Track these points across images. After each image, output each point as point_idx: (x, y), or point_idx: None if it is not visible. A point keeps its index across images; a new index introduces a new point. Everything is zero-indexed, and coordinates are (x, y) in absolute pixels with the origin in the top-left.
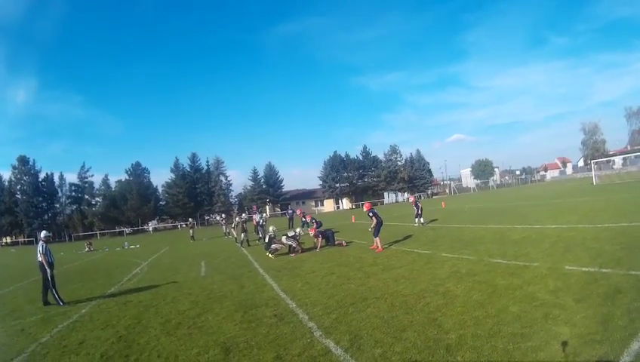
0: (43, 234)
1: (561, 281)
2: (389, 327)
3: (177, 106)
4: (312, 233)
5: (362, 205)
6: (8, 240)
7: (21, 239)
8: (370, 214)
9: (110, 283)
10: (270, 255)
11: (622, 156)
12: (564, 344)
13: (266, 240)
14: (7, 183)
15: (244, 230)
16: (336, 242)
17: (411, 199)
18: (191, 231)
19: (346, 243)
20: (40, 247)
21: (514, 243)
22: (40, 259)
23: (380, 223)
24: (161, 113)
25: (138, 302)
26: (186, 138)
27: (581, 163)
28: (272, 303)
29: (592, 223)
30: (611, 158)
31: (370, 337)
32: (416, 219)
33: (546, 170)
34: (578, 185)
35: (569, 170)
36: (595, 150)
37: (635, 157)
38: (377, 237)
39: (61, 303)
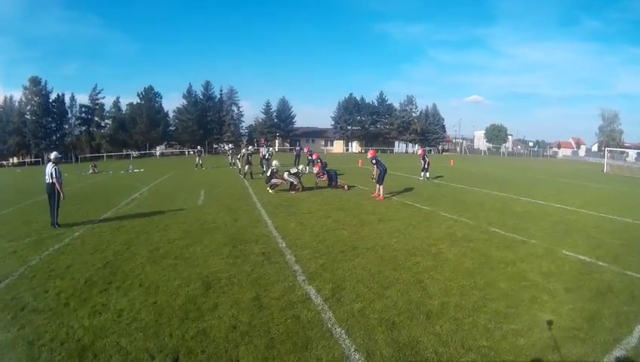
0: (53, 155)
1: (555, 265)
2: (374, 282)
3: (195, 33)
4: (315, 170)
5: (366, 151)
6: (15, 160)
7: (28, 159)
8: (374, 162)
9: (107, 207)
10: (270, 190)
11: (637, 151)
12: (546, 334)
13: (268, 173)
14: (17, 104)
15: (249, 162)
16: (338, 183)
17: (420, 152)
18: (198, 158)
19: (348, 187)
20: (52, 170)
21: (515, 215)
22: (51, 180)
23: (383, 171)
24: (178, 38)
25: (131, 227)
26: (201, 66)
27: (595, 148)
28: (262, 240)
29: (597, 211)
30: (625, 150)
31: (353, 290)
32: (422, 173)
33: (559, 147)
34: (588, 170)
35: (582, 152)
36: (610, 138)
37: None
38: (381, 185)
39: (56, 226)
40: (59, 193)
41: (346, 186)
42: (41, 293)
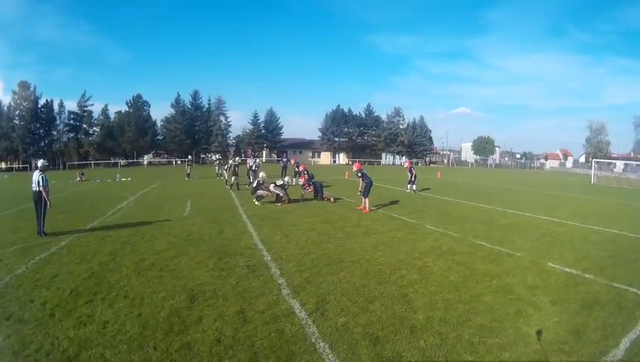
0: (40, 163)
1: (540, 278)
2: (358, 296)
3: (185, 42)
4: (301, 181)
5: (352, 163)
6: (3, 165)
7: (16, 165)
8: (359, 175)
9: (94, 216)
10: (256, 201)
11: (624, 161)
12: (531, 347)
13: (254, 185)
14: (6, 108)
15: (236, 173)
16: (324, 196)
17: (406, 164)
18: (188, 168)
19: (334, 199)
20: (39, 178)
21: (501, 228)
22: (38, 189)
23: (369, 184)
24: (168, 48)
25: (117, 237)
26: (190, 75)
27: (582, 159)
28: (247, 253)
29: (583, 223)
30: (613, 161)
31: (337, 304)
32: (409, 186)
33: (546, 158)
34: (576, 181)
35: (569, 163)
36: (598, 149)
37: (637, 165)
38: (366, 198)
39: (42, 234)
40: (45, 201)
41: (332, 198)
42: (26, 303)
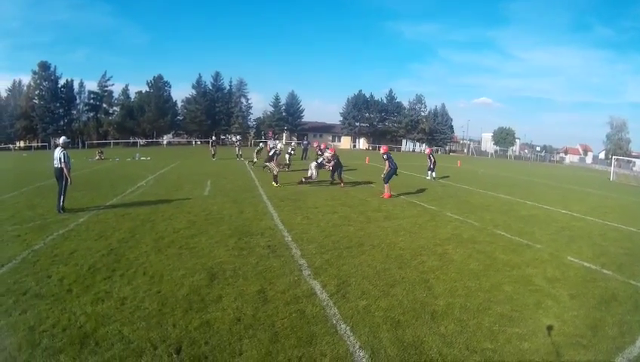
0: (62, 140)
1: (559, 271)
2: (379, 279)
3: (206, 24)
4: (329, 153)
5: (379, 147)
6: (22, 144)
7: (35, 144)
8: (385, 157)
9: (113, 194)
10: (275, 183)
11: None
12: (550, 339)
13: (270, 153)
14: (25, 88)
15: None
16: (340, 179)
17: (427, 151)
18: (213, 149)
19: (344, 184)
20: (61, 154)
21: (520, 219)
22: (59, 165)
23: (393, 170)
24: (188, 29)
25: (136, 215)
26: (211, 56)
27: (602, 156)
28: (268, 233)
29: (602, 219)
30: (633, 160)
31: (358, 286)
32: (429, 173)
33: (566, 153)
34: (595, 177)
35: (589, 159)
36: (618, 147)
37: None
38: (387, 184)
39: (61, 211)
40: (66, 178)
41: (342, 183)
42: (44, 278)
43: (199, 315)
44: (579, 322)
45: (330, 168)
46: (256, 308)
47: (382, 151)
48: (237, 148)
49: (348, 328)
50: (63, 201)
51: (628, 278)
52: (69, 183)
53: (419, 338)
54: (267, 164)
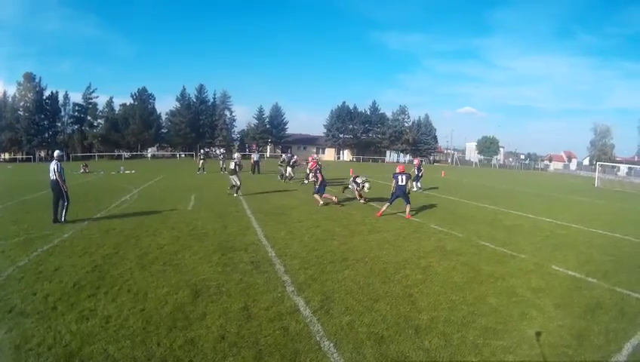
0: (56, 153)
1: (544, 281)
2: (363, 295)
3: (191, 37)
4: (311, 167)
5: (413, 160)
6: (6, 156)
7: (19, 156)
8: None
9: (97, 208)
10: (231, 191)
11: (628, 165)
12: (535, 351)
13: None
14: (10, 99)
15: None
16: (326, 197)
17: (415, 161)
18: (201, 162)
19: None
20: (55, 166)
21: (505, 229)
22: (54, 177)
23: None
24: (174, 42)
25: (120, 230)
26: (195, 69)
27: (586, 162)
28: (251, 248)
29: (587, 226)
30: (617, 165)
31: (342, 302)
32: (414, 183)
33: (550, 160)
34: (580, 183)
35: (573, 165)
36: (602, 152)
37: None
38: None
39: (62, 221)
40: (63, 189)
41: (334, 198)
42: (29, 296)
43: (183, 333)
44: (564, 332)
45: (314, 181)
46: (240, 325)
47: (415, 163)
48: (221, 162)
49: (332, 344)
50: (66, 213)
51: (613, 286)
52: (66, 192)
53: (403, 353)
54: (231, 176)
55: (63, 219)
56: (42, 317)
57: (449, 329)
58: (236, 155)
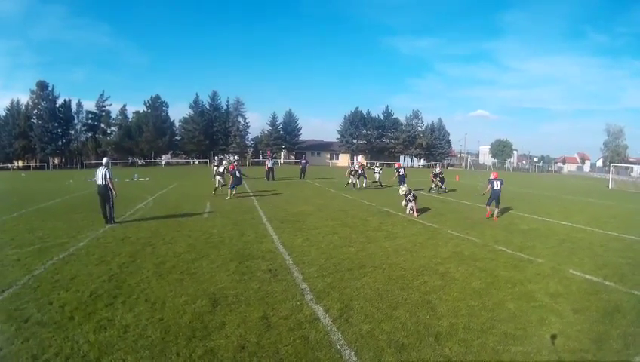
0: (105, 160)
1: (562, 285)
2: (382, 302)
3: (204, 44)
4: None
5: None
6: (20, 164)
7: (33, 163)
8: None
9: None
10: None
11: None
12: (555, 356)
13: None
14: (24, 107)
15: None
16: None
17: (437, 169)
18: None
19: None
20: (106, 172)
21: (521, 233)
22: (104, 182)
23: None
24: (187, 50)
25: (136, 239)
26: (208, 76)
27: (599, 163)
28: (268, 256)
29: (602, 229)
30: (630, 166)
31: (361, 310)
32: (435, 188)
33: (564, 162)
34: (593, 185)
35: (587, 167)
36: (615, 153)
37: None
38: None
39: (112, 222)
40: (112, 192)
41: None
42: (45, 305)
43: (203, 343)
44: (583, 337)
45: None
46: (260, 334)
47: (492, 176)
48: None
49: (352, 353)
50: (113, 213)
51: (630, 289)
52: (114, 196)
53: (423, 361)
54: (217, 177)
55: (113, 219)
56: (59, 326)
57: (469, 336)
58: (225, 162)
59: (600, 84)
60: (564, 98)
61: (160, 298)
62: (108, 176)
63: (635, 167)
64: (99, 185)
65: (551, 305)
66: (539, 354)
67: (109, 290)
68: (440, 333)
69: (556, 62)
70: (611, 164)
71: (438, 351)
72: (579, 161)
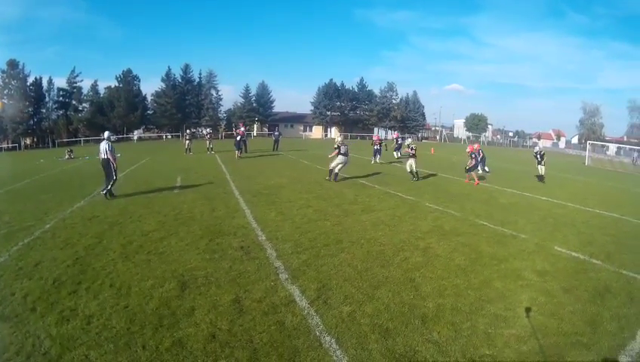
0: (107, 134)
1: (549, 263)
2: (362, 281)
3: (176, 15)
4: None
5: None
6: None
7: (4, 145)
8: (472, 156)
9: (81, 195)
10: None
11: (617, 145)
12: (549, 340)
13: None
14: None
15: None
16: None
17: (375, 138)
18: (187, 143)
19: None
20: (107, 145)
21: (502, 208)
22: (106, 156)
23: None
24: (158, 22)
25: (104, 218)
26: (181, 49)
27: (575, 140)
28: (240, 232)
29: (583, 205)
30: (607, 144)
31: (340, 290)
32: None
33: (539, 138)
34: (570, 162)
35: (562, 144)
36: (591, 131)
37: (630, 149)
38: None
39: (108, 196)
40: (113, 165)
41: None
42: (7, 296)
43: (170, 333)
44: (576, 319)
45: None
46: (232, 321)
47: (468, 150)
48: (207, 142)
49: (333, 340)
50: (112, 186)
51: (618, 268)
52: (115, 167)
53: (411, 347)
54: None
55: (106, 194)
56: (21, 320)
57: (457, 318)
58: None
59: (577, 63)
60: (540, 75)
61: (126, 282)
62: (108, 149)
63: (611, 145)
64: (101, 159)
65: (540, 284)
66: (532, 338)
67: (73, 276)
68: (426, 315)
69: (533, 39)
70: (588, 142)
71: (426, 335)
72: (554, 137)
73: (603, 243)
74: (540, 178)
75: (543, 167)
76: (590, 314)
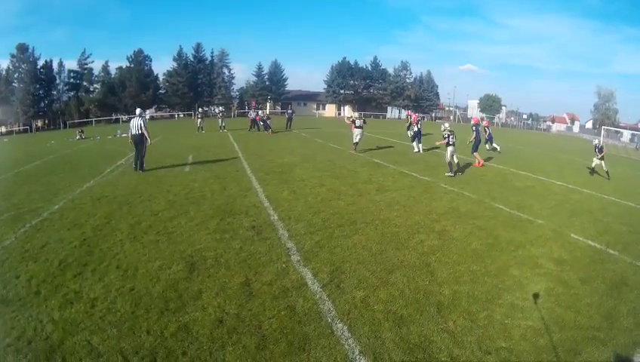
0: (139, 110)
1: (566, 251)
2: (376, 264)
3: None
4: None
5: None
6: (3, 129)
7: (16, 128)
8: (474, 129)
9: (91, 175)
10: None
11: (631, 131)
12: (567, 334)
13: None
14: (4, 72)
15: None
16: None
17: (413, 117)
18: (199, 121)
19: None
20: (140, 121)
21: (517, 191)
22: (139, 131)
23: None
24: (170, 1)
25: (113, 197)
26: (192, 28)
27: (589, 125)
28: (252, 211)
29: (599, 192)
30: (621, 130)
31: (354, 274)
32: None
33: (553, 121)
34: (584, 146)
35: (576, 127)
36: (606, 117)
37: None
38: (476, 152)
39: (141, 170)
40: (147, 140)
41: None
42: (12, 279)
43: (176, 317)
44: (593, 312)
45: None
46: (241, 305)
47: (473, 122)
48: (220, 120)
49: (345, 328)
50: (143, 163)
51: (635, 260)
52: (148, 143)
53: (426, 337)
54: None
55: (138, 167)
56: (24, 304)
57: (474, 307)
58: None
59: (591, 46)
60: (554, 57)
61: (132, 264)
62: (143, 125)
63: (625, 132)
64: (134, 135)
65: (557, 273)
66: (550, 331)
67: (79, 257)
68: (442, 303)
69: (546, 20)
70: (603, 127)
71: (442, 324)
72: (568, 121)
73: (619, 232)
74: (592, 172)
75: (602, 162)
76: (607, 308)
